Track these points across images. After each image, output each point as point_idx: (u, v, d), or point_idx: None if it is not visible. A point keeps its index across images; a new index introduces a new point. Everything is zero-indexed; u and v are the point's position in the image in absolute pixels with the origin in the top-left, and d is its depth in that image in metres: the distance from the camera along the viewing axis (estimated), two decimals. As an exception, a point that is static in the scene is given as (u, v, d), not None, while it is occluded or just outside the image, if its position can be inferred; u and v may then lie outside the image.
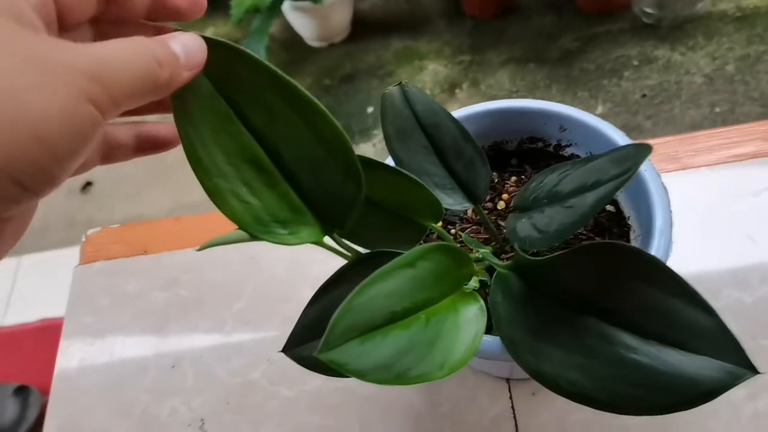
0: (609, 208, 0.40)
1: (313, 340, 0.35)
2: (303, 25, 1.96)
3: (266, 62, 0.30)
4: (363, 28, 2.01)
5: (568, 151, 0.42)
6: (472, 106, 0.42)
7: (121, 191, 1.78)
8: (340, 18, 1.96)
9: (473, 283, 0.34)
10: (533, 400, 0.44)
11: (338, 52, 1.96)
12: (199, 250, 0.33)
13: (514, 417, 0.44)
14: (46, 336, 1.46)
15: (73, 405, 0.49)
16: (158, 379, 0.49)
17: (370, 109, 1.80)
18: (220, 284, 0.52)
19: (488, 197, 0.42)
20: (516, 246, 0.33)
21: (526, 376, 0.46)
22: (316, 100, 0.31)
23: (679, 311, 0.29)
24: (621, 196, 0.40)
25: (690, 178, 0.50)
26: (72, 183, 1.83)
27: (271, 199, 0.33)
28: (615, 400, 0.29)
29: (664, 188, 0.36)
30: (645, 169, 0.37)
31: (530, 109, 0.41)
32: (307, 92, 0.31)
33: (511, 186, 0.42)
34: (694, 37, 1.66)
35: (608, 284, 0.30)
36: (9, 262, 1.66)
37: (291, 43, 2.06)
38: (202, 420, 0.47)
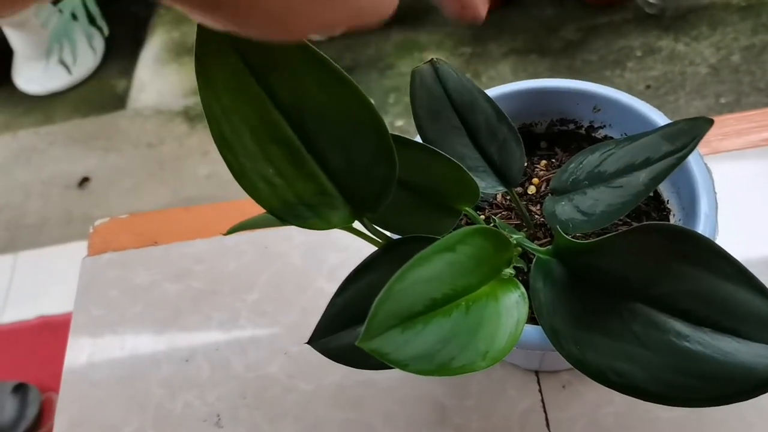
0: (646, 191, 0.38)
1: (340, 331, 0.34)
2: (302, 17, 1.94)
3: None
4: (363, 20, 1.99)
5: (601, 133, 0.40)
6: (501, 86, 0.40)
7: (118, 186, 1.76)
8: (340, 10, 1.93)
9: (509, 270, 0.32)
10: (564, 393, 0.42)
11: (338, 44, 1.94)
12: (227, 234, 0.31)
13: (545, 410, 0.42)
14: (44, 333, 1.44)
15: (84, 399, 0.47)
16: (172, 372, 0.47)
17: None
18: (233, 275, 0.51)
19: (515, 191, 0.41)
20: (558, 229, 0.31)
21: (556, 368, 0.44)
22: (347, 75, 0.29)
23: (733, 296, 0.27)
24: (660, 179, 0.38)
25: (721, 162, 0.48)
26: (69, 179, 1.81)
27: (298, 181, 0.31)
28: (668, 392, 0.27)
29: (708, 169, 0.35)
30: (686, 149, 0.35)
31: (562, 89, 0.39)
32: (337, 66, 0.29)
33: (541, 170, 0.41)
34: (698, 27, 1.65)
35: (657, 268, 0.28)
36: (6, 258, 1.64)
37: (290, 35, 2.03)
38: (218, 415, 0.45)
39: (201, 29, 0.27)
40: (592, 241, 0.29)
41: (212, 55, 0.29)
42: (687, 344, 0.28)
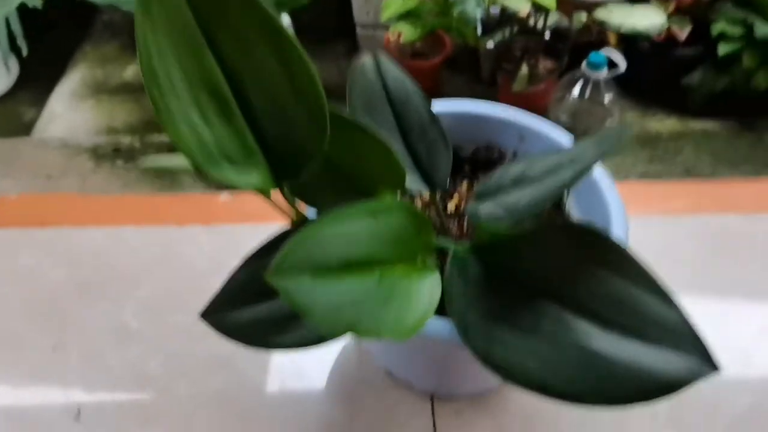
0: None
1: (240, 307, 0.32)
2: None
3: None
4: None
5: (522, 164, 0.41)
6: (436, 101, 0.41)
7: None
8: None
9: (425, 259, 0.32)
10: (458, 420, 0.41)
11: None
12: (144, 168, 0.29)
13: (435, 438, 0.40)
14: None
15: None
16: (36, 360, 0.42)
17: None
18: (125, 268, 0.47)
19: (438, 197, 0.41)
20: (480, 224, 0.31)
21: (452, 392, 0.43)
22: (295, 40, 0.29)
23: (642, 302, 0.28)
24: (572, 203, 0.39)
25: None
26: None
27: (223, 133, 0.30)
28: (570, 390, 0.27)
29: (620, 199, 0.36)
30: (600, 178, 0.37)
31: (492, 117, 0.41)
32: (286, 30, 0.29)
33: (463, 191, 0.41)
34: (602, 148, 1.78)
35: (571, 269, 0.29)
36: None
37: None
38: (78, 409, 0.40)
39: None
40: (507, 235, 0.29)
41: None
42: (593, 345, 0.28)
